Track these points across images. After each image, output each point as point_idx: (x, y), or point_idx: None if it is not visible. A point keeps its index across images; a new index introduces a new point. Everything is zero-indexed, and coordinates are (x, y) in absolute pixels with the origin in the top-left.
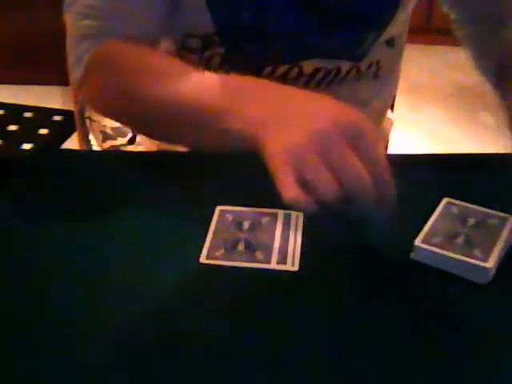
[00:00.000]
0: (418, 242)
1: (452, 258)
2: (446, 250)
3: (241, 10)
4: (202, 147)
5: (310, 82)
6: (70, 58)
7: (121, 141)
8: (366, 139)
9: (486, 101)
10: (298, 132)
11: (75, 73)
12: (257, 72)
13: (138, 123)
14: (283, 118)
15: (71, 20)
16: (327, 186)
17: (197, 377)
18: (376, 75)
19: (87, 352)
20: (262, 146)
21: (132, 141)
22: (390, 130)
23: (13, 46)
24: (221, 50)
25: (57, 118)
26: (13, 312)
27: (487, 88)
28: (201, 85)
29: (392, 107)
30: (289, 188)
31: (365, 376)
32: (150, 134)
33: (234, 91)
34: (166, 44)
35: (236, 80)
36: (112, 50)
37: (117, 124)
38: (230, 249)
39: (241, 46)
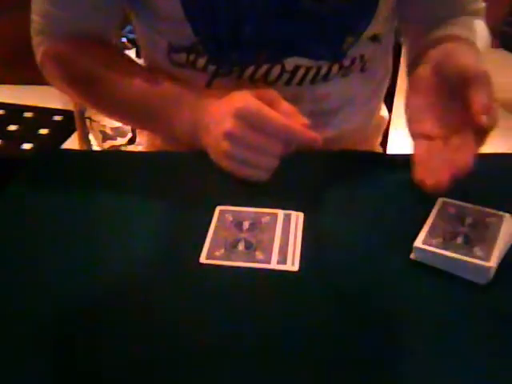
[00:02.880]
0: (417, 242)
1: (452, 257)
2: (446, 250)
3: (219, 21)
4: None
5: (292, 80)
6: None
7: (121, 141)
8: (264, 120)
9: None
10: (213, 137)
11: (37, 57)
12: (240, 72)
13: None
14: (202, 126)
15: (33, 15)
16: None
17: (197, 377)
18: (363, 69)
19: (86, 352)
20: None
21: (132, 141)
22: (383, 126)
23: (13, 46)
24: (204, 56)
25: (57, 117)
26: (13, 313)
27: None
28: (142, 90)
29: (391, 108)
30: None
31: (365, 376)
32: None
33: (169, 100)
34: (152, 55)
35: (172, 89)
36: (59, 51)
37: (117, 124)
38: (230, 249)
39: (223, 53)
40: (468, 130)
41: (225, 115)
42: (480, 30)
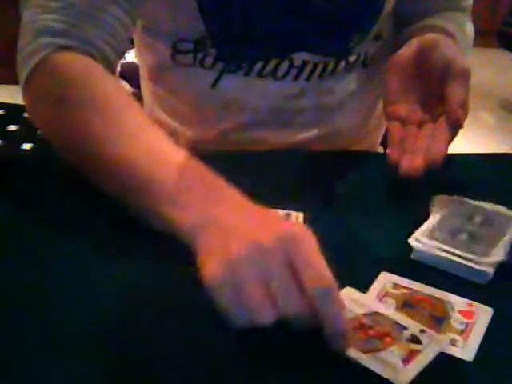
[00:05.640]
0: (414, 241)
1: (450, 259)
2: (446, 247)
3: (231, 18)
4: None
5: (300, 76)
6: (20, 56)
7: None
8: (305, 256)
9: (486, 101)
10: (236, 244)
11: (25, 70)
12: (249, 68)
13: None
14: (221, 226)
15: (30, 14)
16: (263, 310)
17: (196, 377)
18: (364, 64)
19: (84, 352)
20: (197, 250)
21: None
22: (384, 123)
23: (13, 46)
24: (212, 51)
25: None
26: (12, 312)
27: (487, 88)
28: (156, 152)
29: None
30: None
31: (365, 376)
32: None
33: (186, 179)
34: (158, 47)
35: (191, 167)
36: (73, 67)
37: None
38: None
39: (232, 48)
40: (441, 120)
41: (262, 228)
42: (468, 28)
